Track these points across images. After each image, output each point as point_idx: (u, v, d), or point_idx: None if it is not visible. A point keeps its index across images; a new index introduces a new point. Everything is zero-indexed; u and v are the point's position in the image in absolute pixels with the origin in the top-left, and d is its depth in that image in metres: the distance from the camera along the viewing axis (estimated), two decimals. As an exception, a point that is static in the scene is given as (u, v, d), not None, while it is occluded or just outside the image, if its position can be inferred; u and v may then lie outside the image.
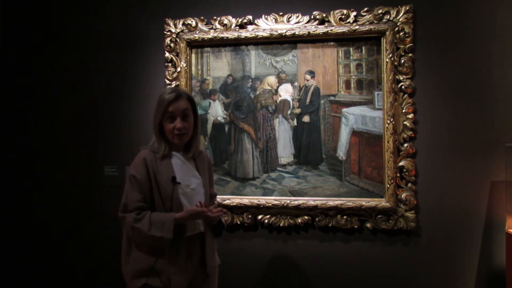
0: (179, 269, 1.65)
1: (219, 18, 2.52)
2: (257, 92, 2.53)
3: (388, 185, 2.34)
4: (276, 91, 2.51)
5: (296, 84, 2.49)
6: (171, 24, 2.57)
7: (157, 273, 1.63)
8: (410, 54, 2.34)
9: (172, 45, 2.56)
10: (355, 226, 2.39)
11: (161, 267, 1.63)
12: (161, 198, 1.68)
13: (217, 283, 1.89)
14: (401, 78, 2.34)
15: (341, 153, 2.44)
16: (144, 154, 1.72)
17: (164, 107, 1.69)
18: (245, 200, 2.48)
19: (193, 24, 2.55)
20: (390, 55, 2.33)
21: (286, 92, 2.50)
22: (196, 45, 2.57)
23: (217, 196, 2.46)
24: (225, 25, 2.52)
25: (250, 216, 2.49)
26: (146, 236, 1.60)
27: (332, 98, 2.45)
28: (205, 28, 2.54)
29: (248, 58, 2.54)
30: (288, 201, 2.43)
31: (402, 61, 2.34)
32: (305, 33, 2.41)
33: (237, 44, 2.53)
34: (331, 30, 2.39)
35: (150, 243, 1.64)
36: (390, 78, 2.34)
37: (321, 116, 2.46)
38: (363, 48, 2.42)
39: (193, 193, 1.73)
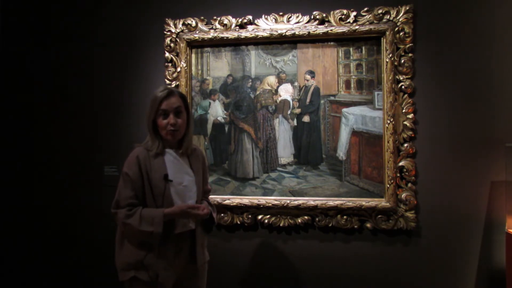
0: (167, 264, 1.70)
1: (219, 18, 2.52)
2: (257, 92, 2.53)
3: (388, 185, 2.34)
4: (276, 91, 2.51)
5: (296, 84, 2.49)
6: (171, 24, 2.57)
7: (145, 267, 1.68)
8: (410, 54, 2.34)
9: (172, 45, 2.56)
10: (355, 226, 2.39)
11: (150, 261, 1.68)
12: (152, 195, 1.71)
13: (206, 279, 1.91)
14: (401, 78, 2.35)
15: (341, 153, 2.44)
16: (137, 152, 1.75)
17: (157, 105, 1.73)
18: (245, 200, 2.48)
19: (193, 24, 2.55)
20: (390, 55, 2.33)
21: (286, 92, 2.50)
22: (196, 45, 2.57)
23: (217, 196, 2.48)
24: (225, 25, 2.52)
25: (250, 216, 2.49)
26: (137, 231, 1.64)
27: (332, 98, 2.45)
28: (205, 28, 2.54)
29: (248, 58, 2.54)
30: (288, 201, 2.43)
31: (402, 61, 2.34)
32: (305, 33, 2.41)
33: (237, 44, 2.53)
34: (331, 30, 2.39)
35: (141, 238, 1.68)
36: (390, 78, 2.34)
37: (321, 116, 2.46)
38: (363, 48, 2.42)
39: (185, 190, 1.77)
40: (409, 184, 2.35)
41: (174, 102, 1.74)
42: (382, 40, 2.36)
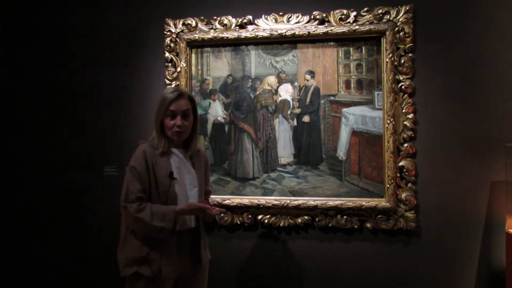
0: (170, 260, 1.72)
1: (219, 18, 2.52)
2: (257, 92, 2.53)
3: (388, 185, 2.34)
4: (276, 91, 2.51)
5: (296, 84, 2.49)
6: (171, 24, 2.57)
7: (148, 263, 1.69)
8: (410, 54, 2.34)
9: (172, 45, 2.56)
10: (355, 226, 2.39)
11: (154, 257, 1.70)
12: (157, 192, 1.74)
13: (208, 279, 1.93)
14: (401, 78, 2.34)
15: (341, 153, 2.44)
16: (144, 148, 1.79)
17: (166, 105, 1.76)
18: (245, 200, 2.48)
19: (193, 24, 2.55)
20: (390, 55, 2.33)
21: (286, 92, 2.50)
22: (196, 45, 2.56)
23: (217, 196, 2.48)
24: (225, 25, 2.52)
25: (250, 216, 2.49)
26: (148, 226, 1.66)
27: (332, 98, 2.45)
28: (205, 28, 2.54)
29: (248, 58, 2.54)
30: (288, 201, 2.43)
31: (402, 61, 2.34)
32: (305, 33, 2.41)
33: (237, 44, 2.53)
34: (331, 30, 2.39)
35: (151, 234, 1.69)
36: (390, 78, 2.34)
37: (321, 116, 2.46)
38: (363, 48, 2.42)
39: (187, 190, 1.80)
40: (409, 184, 2.35)
41: (183, 105, 1.77)
42: (382, 40, 2.36)
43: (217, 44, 2.55)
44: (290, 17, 2.46)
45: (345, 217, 2.40)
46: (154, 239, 1.70)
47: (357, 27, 2.37)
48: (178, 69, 2.55)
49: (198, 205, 1.71)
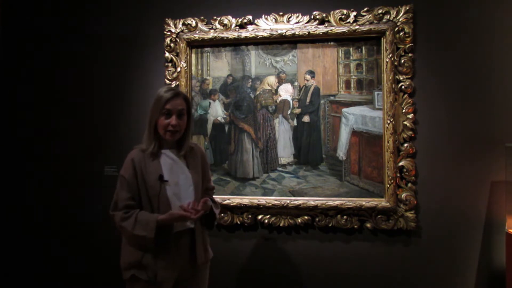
0: (166, 263, 1.71)
1: (219, 18, 2.52)
2: (257, 92, 2.53)
3: (388, 185, 2.34)
4: (276, 91, 2.51)
5: (296, 84, 2.49)
6: (171, 24, 2.57)
7: (144, 267, 1.70)
8: (410, 54, 2.34)
9: (172, 45, 2.56)
10: (355, 226, 2.39)
11: (148, 261, 1.69)
12: (148, 197, 1.73)
13: (208, 278, 1.92)
14: (401, 78, 2.35)
15: (341, 153, 2.44)
16: (132, 155, 1.78)
17: (162, 104, 1.74)
18: (245, 200, 2.48)
19: (193, 24, 2.55)
20: (390, 55, 2.33)
21: (286, 92, 2.50)
22: (196, 45, 2.57)
23: (218, 196, 2.47)
24: (225, 25, 2.52)
25: (250, 216, 2.49)
26: (131, 234, 1.67)
27: (332, 98, 2.45)
28: (205, 28, 2.54)
29: (248, 58, 2.54)
30: (288, 201, 2.43)
31: (402, 61, 2.34)
32: (305, 33, 2.41)
33: (237, 44, 2.53)
34: (331, 30, 2.39)
35: (135, 241, 1.70)
36: (390, 78, 2.34)
37: (321, 116, 2.46)
38: (363, 48, 2.42)
39: (181, 190, 1.78)
40: (409, 184, 2.35)
41: (178, 104, 1.75)
42: (382, 40, 2.36)
43: (217, 44, 2.55)
44: (290, 17, 2.46)
45: (345, 217, 2.40)
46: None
47: (357, 27, 2.37)
48: (178, 69, 2.55)
49: (178, 214, 1.67)
